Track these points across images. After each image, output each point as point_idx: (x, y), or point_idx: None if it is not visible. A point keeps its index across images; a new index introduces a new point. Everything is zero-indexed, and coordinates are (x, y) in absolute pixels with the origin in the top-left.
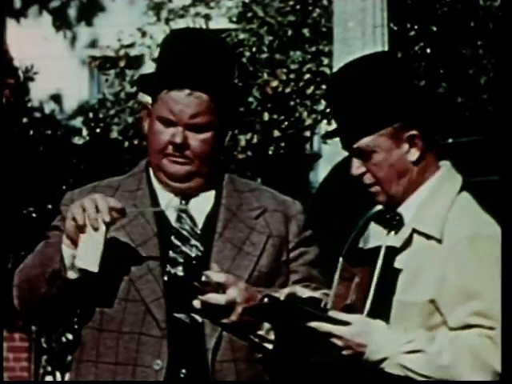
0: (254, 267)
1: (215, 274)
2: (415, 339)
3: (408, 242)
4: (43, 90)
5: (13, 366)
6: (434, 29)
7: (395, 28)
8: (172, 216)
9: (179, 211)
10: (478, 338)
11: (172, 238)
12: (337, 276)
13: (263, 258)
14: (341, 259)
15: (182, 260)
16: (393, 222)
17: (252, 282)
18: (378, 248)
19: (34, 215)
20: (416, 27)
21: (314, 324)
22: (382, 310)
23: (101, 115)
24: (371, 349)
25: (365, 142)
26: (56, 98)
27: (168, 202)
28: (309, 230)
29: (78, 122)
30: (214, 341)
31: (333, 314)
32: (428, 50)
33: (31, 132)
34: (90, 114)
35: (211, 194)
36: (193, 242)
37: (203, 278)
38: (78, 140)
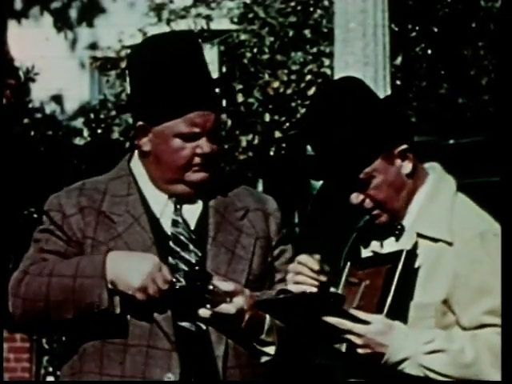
0: (249, 271)
1: (223, 283)
2: (435, 338)
3: (415, 247)
4: (44, 91)
5: (14, 366)
6: (435, 29)
7: (396, 29)
8: (166, 221)
9: (175, 216)
10: (496, 336)
11: (170, 243)
12: (342, 280)
13: (254, 261)
14: (348, 264)
15: (183, 266)
16: (393, 231)
17: (248, 286)
18: (399, 252)
19: (34, 215)
20: (417, 28)
21: (334, 320)
22: (399, 313)
23: (102, 116)
24: (392, 349)
25: (358, 173)
26: (57, 99)
27: (161, 207)
28: (284, 227)
29: (78, 122)
30: (222, 348)
31: (353, 312)
32: (429, 51)
33: (32, 133)
34: (91, 115)
35: (200, 195)
36: (191, 247)
37: (210, 287)
38: (78, 141)
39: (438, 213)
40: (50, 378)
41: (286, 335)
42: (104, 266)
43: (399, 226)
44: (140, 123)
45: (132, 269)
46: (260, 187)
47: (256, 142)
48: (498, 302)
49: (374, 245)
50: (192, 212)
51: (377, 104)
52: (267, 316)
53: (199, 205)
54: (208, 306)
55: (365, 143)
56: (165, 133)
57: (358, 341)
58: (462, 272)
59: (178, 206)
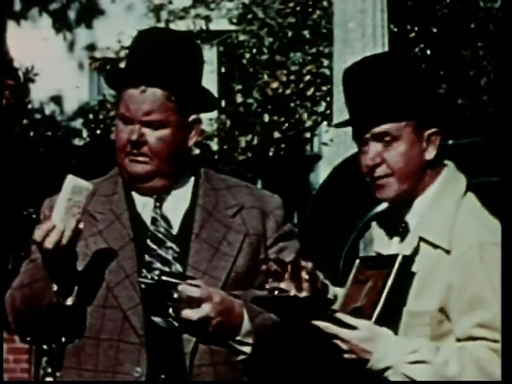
0: (231, 268)
1: (190, 289)
2: (420, 349)
3: (416, 251)
4: (43, 92)
5: (13, 367)
6: (435, 30)
7: (395, 29)
8: (148, 218)
9: (154, 213)
10: (483, 351)
11: (148, 241)
12: (351, 277)
13: (240, 258)
14: (357, 261)
15: (158, 264)
16: (398, 229)
17: (230, 283)
18: (395, 256)
19: (34, 216)
20: (416, 28)
21: (321, 324)
22: (391, 318)
23: (101, 116)
24: (376, 356)
25: (390, 127)
26: (56, 100)
27: (143, 204)
28: (288, 224)
29: (78, 123)
30: (191, 345)
31: (340, 316)
32: (428, 52)
33: (31, 133)
34: (91, 116)
35: (187, 193)
36: (168, 243)
37: (175, 293)
38: (78, 141)
39: (441, 218)
40: (49, 379)
41: (269, 337)
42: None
43: (403, 225)
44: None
45: None
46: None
47: (255, 142)
48: (490, 315)
49: (383, 240)
50: (177, 209)
51: (425, 82)
52: (245, 318)
53: (185, 202)
54: (170, 310)
55: (403, 99)
56: (116, 114)
57: (343, 346)
58: (457, 282)
59: (158, 204)
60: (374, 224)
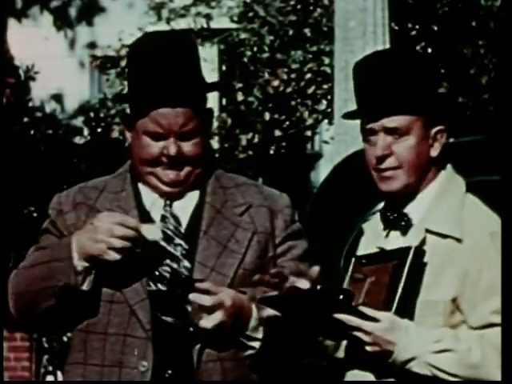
0: (239, 265)
1: (201, 298)
2: (443, 338)
3: (423, 243)
4: (44, 90)
5: (14, 365)
6: (435, 28)
7: (396, 28)
8: (157, 216)
9: (164, 211)
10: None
11: None
12: (348, 277)
13: (248, 255)
14: (353, 260)
15: (167, 260)
16: (400, 223)
17: (237, 280)
18: (405, 248)
19: (34, 215)
20: (417, 27)
21: (343, 317)
22: (407, 310)
23: (102, 115)
24: (400, 347)
25: (402, 120)
26: (57, 98)
27: (152, 202)
28: (296, 223)
29: (78, 121)
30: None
31: (362, 309)
32: (429, 50)
33: (32, 131)
34: (91, 114)
35: (196, 192)
36: (177, 240)
37: (190, 298)
38: (79, 139)
39: (448, 210)
40: (50, 378)
41: (276, 332)
42: (70, 244)
43: (406, 218)
44: (123, 115)
45: (91, 230)
46: None
47: (256, 140)
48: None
49: (378, 237)
50: (185, 208)
51: (437, 78)
52: (254, 313)
53: (194, 200)
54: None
55: (415, 93)
56: (137, 128)
57: (366, 338)
58: (473, 270)
59: (168, 202)
60: (366, 223)
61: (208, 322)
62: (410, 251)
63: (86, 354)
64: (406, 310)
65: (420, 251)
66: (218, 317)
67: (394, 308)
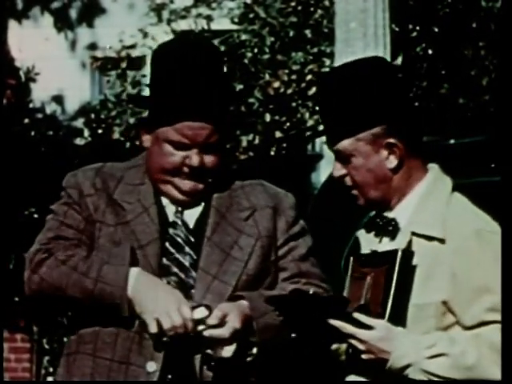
0: (242, 272)
1: (216, 332)
2: (437, 343)
3: (409, 246)
4: (45, 91)
5: (14, 366)
6: (436, 29)
7: (397, 29)
8: (171, 218)
9: (175, 217)
10: (497, 334)
11: (166, 244)
12: (348, 276)
13: (251, 261)
14: (351, 258)
15: (175, 268)
16: (388, 228)
17: (240, 287)
18: (393, 251)
19: (35, 216)
20: (418, 28)
21: (338, 323)
22: (400, 312)
23: (102, 116)
24: (395, 355)
25: (344, 145)
26: (57, 99)
27: (165, 205)
28: (299, 223)
29: (79, 122)
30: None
31: (357, 316)
32: (430, 51)
33: (33, 133)
34: (92, 115)
35: (204, 197)
36: (187, 249)
37: (206, 336)
38: (79, 141)
39: (432, 211)
40: (51, 379)
41: (274, 337)
42: (127, 279)
43: (393, 223)
44: (144, 121)
45: (152, 298)
46: None
47: (256, 141)
48: (497, 299)
49: (372, 242)
50: (192, 212)
51: (381, 90)
52: (253, 322)
53: (200, 205)
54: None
55: (352, 115)
56: (159, 136)
57: (360, 346)
58: (460, 271)
59: (180, 209)
60: (360, 231)
61: (229, 351)
62: (397, 254)
63: (95, 346)
64: (400, 313)
65: (407, 254)
66: (235, 344)
67: (387, 312)
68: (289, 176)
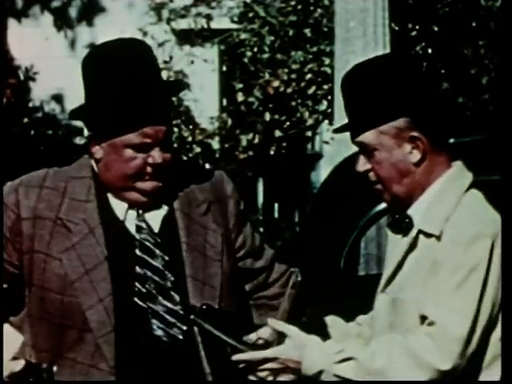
0: (221, 272)
1: (253, 355)
2: (346, 348)
3: (415, 243)
4: (44, 90)
5: None
6: (436, 29)
7: (396, 28)
8: (131, 227)
9: (138, 221)
10: (413, 337)
11: (137, 251)
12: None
13: (224, 260)
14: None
15: (149, 272)
16: (402, 225)
17: (224, 289)
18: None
19: None
20: (417, 27)
21: (244, 356)
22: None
23: None
24: (306, 364)
25: (367, 138)
26: (57, 98)
27: (124, 212)
28: (241, 202)
29: (79, 122)
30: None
31: (272, 322)
32: (429, 50)
33: (32, 132)
34: None
35: (161, 198)
36: (157, 252)
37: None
38: (79, 140)
39: (441, 210)
40: None
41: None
42: None
43: (407, 220)
44: (91, 133)
45: None
46: (260, 186)
47: (256, 141)
48: (460, 304)
49: (396, 241)
50: (155, 215)
51: (404, 83)
52: None
53: (161, 206)
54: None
55: (375, 107)
56: (116, 143)
57: (275, 366)
58: (435, 263)
59: (141, 211)
60: (386, 229)
61: (288, 375)
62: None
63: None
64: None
65: (411, 249)
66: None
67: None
68: (288, 175)
